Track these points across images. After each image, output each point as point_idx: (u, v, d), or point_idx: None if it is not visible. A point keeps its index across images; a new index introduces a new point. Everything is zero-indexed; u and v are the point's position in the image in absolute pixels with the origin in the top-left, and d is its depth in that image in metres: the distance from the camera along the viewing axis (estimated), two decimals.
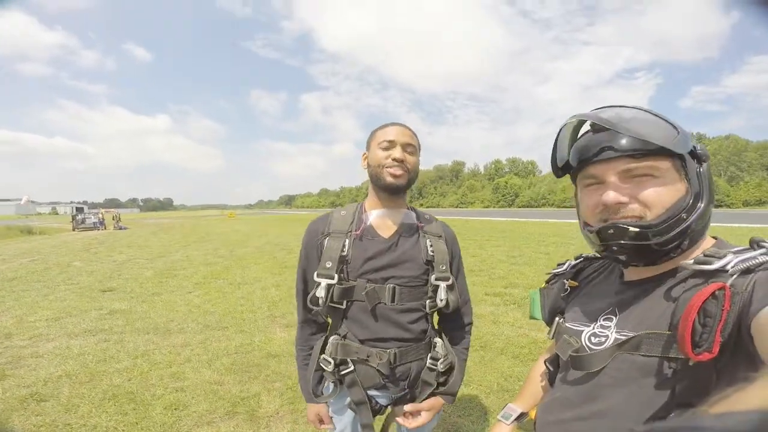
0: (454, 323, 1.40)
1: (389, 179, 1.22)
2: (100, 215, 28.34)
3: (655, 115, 0.73)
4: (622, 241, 0.70)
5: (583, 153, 0.76)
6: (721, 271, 0.64)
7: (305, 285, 1.31)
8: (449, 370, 1.31)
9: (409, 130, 1.28)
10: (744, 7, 0.58)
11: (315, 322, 1.36)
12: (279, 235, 17.88)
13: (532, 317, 1.05)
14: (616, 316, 0.77)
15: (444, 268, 1.26)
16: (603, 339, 0.76)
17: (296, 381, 3.13)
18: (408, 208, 1.35)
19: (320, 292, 1.19)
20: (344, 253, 1.21)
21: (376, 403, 1.28)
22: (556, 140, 0.83)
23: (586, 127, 0.80)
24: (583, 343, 0.79)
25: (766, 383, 0.37)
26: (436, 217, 1.41)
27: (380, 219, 1.28)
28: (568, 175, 0.86)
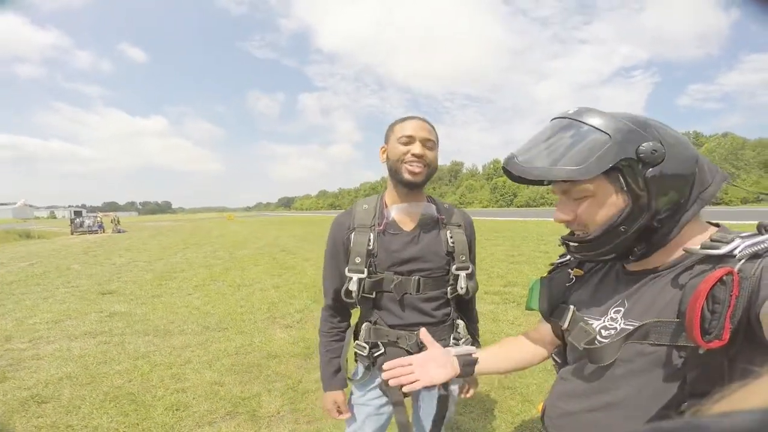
0: (470, 306, 1.49)
1: (407, 176, 1.25)
2: (99, 219, 28.33)
3: (591, 128, 0.69)
4: (572, 253, 0.79)
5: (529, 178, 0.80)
6: (729, 256, 0.62)
7: (334, 280, 1.35)
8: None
9: (428, 124, 1.30)
10: (743, 5, 0.58)
11: (342, 310, 1.41)
12: (278, 236, 17.88)
13: (528, 308, 1.03)
14: (624, 306, 0.77)
15: (464, 258, 1.32)
16: (613, 331, 0.75)
17: (297, 381, 3.16)
18: (427, 199, 1.39)
19: (353, 286, 1.27)
20: (370, 248, 1.27)
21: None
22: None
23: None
24: (596, 336, 0.78)
25: None
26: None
27: (402, 213, 1.32)
28: None
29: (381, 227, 1.29)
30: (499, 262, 8.15)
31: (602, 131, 0.68)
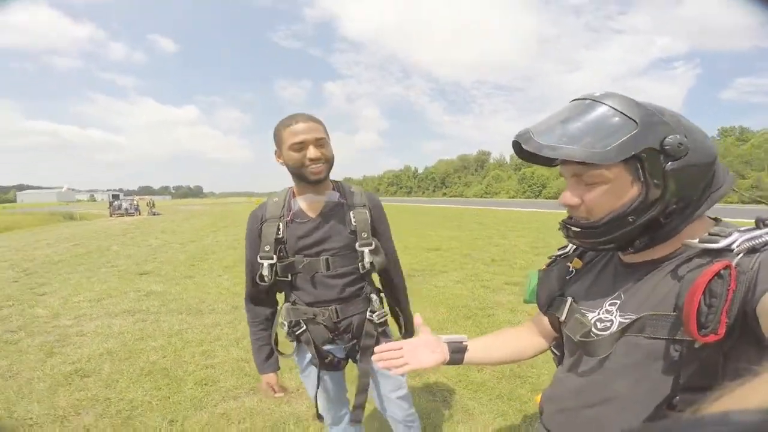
0: (387, 281, 1.62)
1: (312, 177, 1.34)
2: (135, 202, 29.61)
3: (614, 110, 0.66)
4: (570, 239, 0.76)
5: (536, 157, 0.77)
6: (726, 250, 0.62)
7: (252, 266, 1.47)
8: (385, 322, 1.53)
9: (314, 121, 1.33)
10: (743, 4, 0.56)
11: (261, 296, 1.52)
12: None
13: (526, 301, 1.02)
14: (620, 299, 0.76)
15: (365, 235, 1.43)
16: (608, 324, 0.75)
17: None
18: (333, 186, 1.48)
19: (264, 271, 1.39)
20: (279, 236, 1.40)
21: (334, 356, 1.53)
22: None
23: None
24: (591, 328, 0.77)
25: None
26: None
27: (307, 202, 1.43)
28: None
29: (289, 217, 1.41)
30: (522, 254, 8.05)
31: (628, 117, 0.65)
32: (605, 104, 0.67)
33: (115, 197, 31.92)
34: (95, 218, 24.38)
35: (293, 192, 1.46)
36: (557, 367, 0.94)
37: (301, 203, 1.43)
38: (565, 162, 0.72)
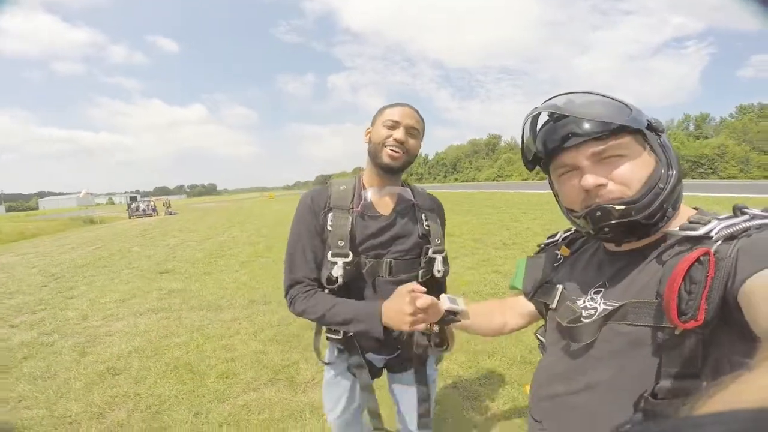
0: (440, 290, 1.45)
1: (387, 159, 1.25)
2: (152, 203, 30.27)
3: (606, 97, 0.74)
4: (612, 221, 0.69)
5: (549, 143, 0.77)
6: (705, 237, 0.64)
7: (307, 255, 1.26)
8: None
9: (416, 113, 1.30)
10: (744, 4, 0.57)
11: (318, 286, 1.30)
12: None
13: (512, 287, 1.04)
14: (605, 288, 0.77)
15: (439, 241, 1.34)
16: (592, 312, 0.76)
17: None
18: (403, 185, 1.39)
19: (337, 271, 1.21)
20: (352, 231, 1.25)
21: (373, 366, 1.40)
22: (523, 135, 0.85)
23: (544, 116, 0.81)
24: (580, 314, 0.78)
25: (765, 373, 0.35)
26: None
27: (379, 196, 1.32)
28: None
29: (359, 209, 1.28)
30: (535, 237, 8.00)
31: (623, 103, 0.73)
32: (599, 95, 0.75)
33: (133, 199, 32.71)
34: (114, 221, 25.00)
35: (363, 183, 1.33)
36: (542, 354, 0.97)
37: (373, 196, 1.30)
38: (578, 146, 0.72)
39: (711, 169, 44.56)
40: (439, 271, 1.34)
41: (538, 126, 0.82)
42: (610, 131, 0.70)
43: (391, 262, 1.28)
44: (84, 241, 13.76)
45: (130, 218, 26.69)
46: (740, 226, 0.63)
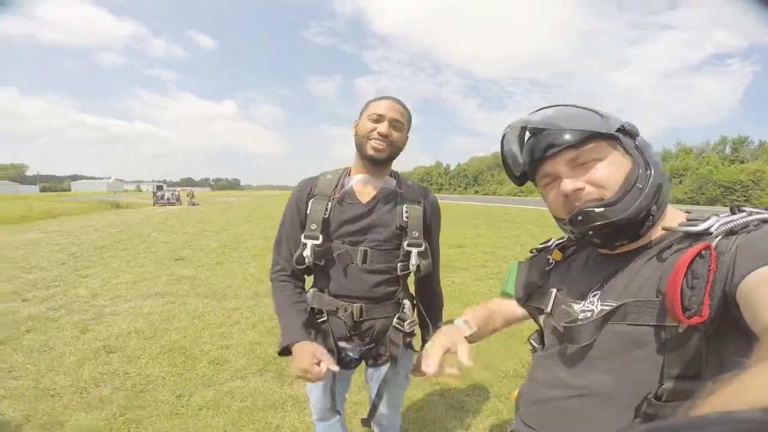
0: (425, 288, 1.49)
1: (371, 152, 1.28)
2: (176, 192, 31.17)
3: (578, 107, 0.78)
4: (596, 224, 0.70)
5: (531, 155, 0.79)
6: (705, 233, 0.64)
7: (288, 241, 1.36)
8: (413, 333, 1.41)
9: (401, 106, 1.31)
10: (744, 3, 0.54)
11: (296, 274, 1.37)
12: None
13: (504, 292, 1.03)
14: (601, 289, 0.76)
15: (417, 234, 1.32)
16: (589, 313, 0.75)
17: None
18: (391, 175, 1.40)
19: (307, 252, 1.28)
20: (326, 216, 1.29)
21: (346, 355, 1.40)
22: (503, 153, 0.86)
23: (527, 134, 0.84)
24: (577, 316, 0.77)
25: (763, 372, 0.34)
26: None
27: (361, 184, 1.34)
28: None
29: (338, 195, 1.31)
30: None
31: (594, 111, 0.75)
32: (573, 105, 0.78)
33: (159, 188, 33.76)
34: (139, 207, 25.79)
35: (349, 171, 1.38)
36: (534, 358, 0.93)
37: (355, 184, 1.34)
38: (555, 156, 0.75)
39: (744, 196, 42.67)
40: (413, 265, 1.31)
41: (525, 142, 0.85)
42: (584, 138, 0.72)
43: (366, 250, 1.30)
44: (107, 223, 14.23)
45: (154, 205, 27.49)
46: (740, 221, 0.63)
